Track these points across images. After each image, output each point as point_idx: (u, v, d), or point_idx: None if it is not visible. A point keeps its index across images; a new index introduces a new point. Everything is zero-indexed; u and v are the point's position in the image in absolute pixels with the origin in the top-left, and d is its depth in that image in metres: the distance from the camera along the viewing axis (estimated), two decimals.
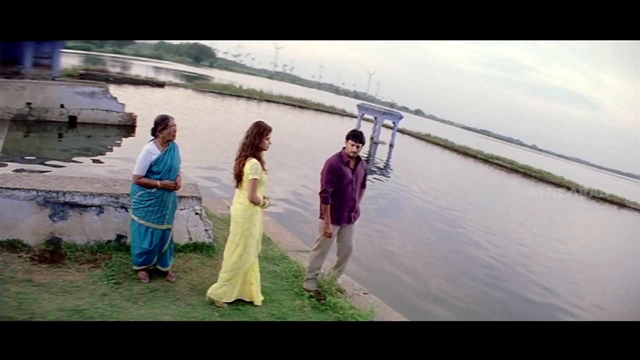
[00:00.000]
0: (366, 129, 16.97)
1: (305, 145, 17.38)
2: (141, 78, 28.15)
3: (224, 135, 14.93)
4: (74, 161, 8.87)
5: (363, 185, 4.23)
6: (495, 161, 31.61)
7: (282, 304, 3.81)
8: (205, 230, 4.55)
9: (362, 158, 4.17)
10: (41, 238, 3.78)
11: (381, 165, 18.41)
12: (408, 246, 8.45)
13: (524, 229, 12.62)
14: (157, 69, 48.43)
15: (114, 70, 29.11)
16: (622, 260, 13.11)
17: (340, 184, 3.91)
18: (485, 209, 14.83)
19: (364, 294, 4.67)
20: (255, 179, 3.34)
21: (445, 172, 22.71)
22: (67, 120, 11.44)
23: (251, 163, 3.35)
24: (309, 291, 4.11)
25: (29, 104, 10.78)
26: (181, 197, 4.27)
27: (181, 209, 4.30)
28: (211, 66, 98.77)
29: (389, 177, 15.79)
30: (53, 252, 3.75)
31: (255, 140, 3.40)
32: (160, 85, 28.02)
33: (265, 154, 3.54)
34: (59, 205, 3.80)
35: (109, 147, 10.96)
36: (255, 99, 34.58)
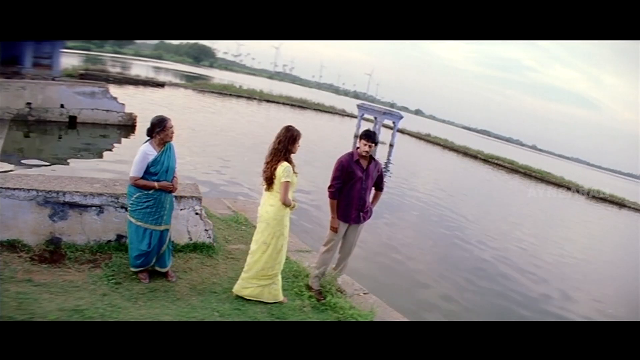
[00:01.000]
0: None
1: (307, 145, 17.36)
2: (141, 78, 28.17)
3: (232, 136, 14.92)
4: (74, 161, 8.87)
5: (380, 189, 4.29)
6: (495, 161, 31.62)
7: (282, 304, 3.81)
8: (205, 230, 4.55)
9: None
10: (41, 238, 3.78)
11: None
12: (408, 246, 8.46)
13: (523, 229, 12.61)
14: (157, 69, 48.44)
15: (114, 70, 29.13)
16: (622, 260, 13.11)
17: (348, 182, 3.99)
18: (486, 209, 14.83)
19: (364, 294, 4.66)
20: (288, 181, 3.48)
21: (446, 172, 22.72)
22: (67, 120, 11.45)
23: (283, 166, 3.48)
24: (312, 289, 4.13)
25: (29, 104, 10.78)
26: (181, 197, 4.27)
27: (181, 209, 4.30)
28: (211, 66, 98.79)
29: (389, 176, 15.79)
30: (53, 252, 3.74)
31: (288, 145, 3.53)
32: (160, 85, 28.04)
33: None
34: (59, 205, 3.79)
35: (109, 147, 10.97)
36: (255, 99, 34.59)
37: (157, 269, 3.81)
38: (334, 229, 4.07)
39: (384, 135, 25.54)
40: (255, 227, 5.62)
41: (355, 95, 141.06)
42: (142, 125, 11.94)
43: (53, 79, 12.92)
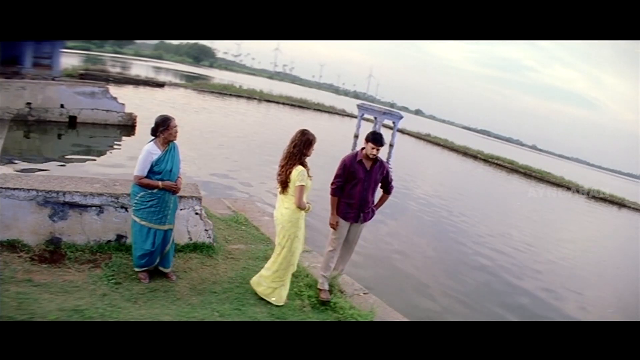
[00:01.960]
0: (366, 129, 16.96)
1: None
2: (141, 78, 28.16)
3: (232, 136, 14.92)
4: (74, 161, 8.87)
5: (387, 191, 4.31)
6: (495, 161, 31.62)
7: (282, 304, 3.81)
8: (205, 230, 4.55)
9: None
10: (41, 238, 3.78)
11: None
12: (408, 245, 8.46)
13: (523, 230, 12.61)
14: (157, 69, 48.44)
15: (114, 70, 29.12)
16: (622, 260, 13.11)
17: (350, 181, 4.02)
18: (486, 209, 14.83)
19: (364, 294, 4.66)
20: (303, 185, 3.52)
21: (446, 172, 22.72)
22: (67, 120, 11.45)
23: (298, 170, 3.51)
24: (320, 290, 4.12)
25: (29, 104, 10.78)
26: (181, 197, 4.26)
27: (181, 209, 4.30)
28: (211, 66, 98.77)
29: None
30: (53, 252, 3.74)
31: (303, 149, 3.58)
32: (160, 85, 28.03)
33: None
34: (58, 205, 3.79)
35: (109, 147, 10.97)
36: (255, 99, 34.59)
37: (160, 268, 3.82)
38: (333, 226, 4.10)
39: (383, 135, 25.48)
40: (255, 227, 5.66)
41: (355, 95, 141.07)
42: (142, 126, 11.96)
43: (53, 79, 12.92)
